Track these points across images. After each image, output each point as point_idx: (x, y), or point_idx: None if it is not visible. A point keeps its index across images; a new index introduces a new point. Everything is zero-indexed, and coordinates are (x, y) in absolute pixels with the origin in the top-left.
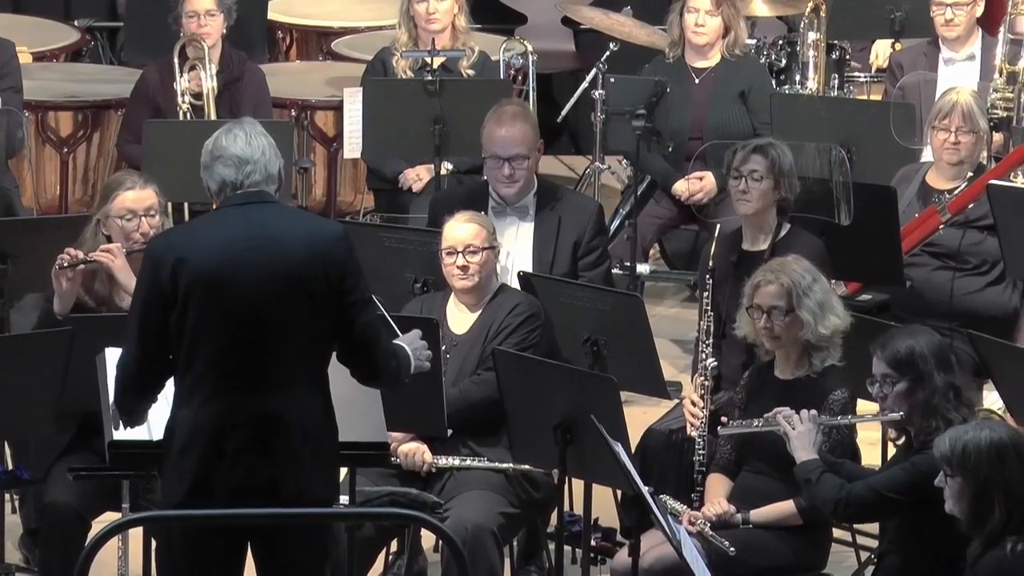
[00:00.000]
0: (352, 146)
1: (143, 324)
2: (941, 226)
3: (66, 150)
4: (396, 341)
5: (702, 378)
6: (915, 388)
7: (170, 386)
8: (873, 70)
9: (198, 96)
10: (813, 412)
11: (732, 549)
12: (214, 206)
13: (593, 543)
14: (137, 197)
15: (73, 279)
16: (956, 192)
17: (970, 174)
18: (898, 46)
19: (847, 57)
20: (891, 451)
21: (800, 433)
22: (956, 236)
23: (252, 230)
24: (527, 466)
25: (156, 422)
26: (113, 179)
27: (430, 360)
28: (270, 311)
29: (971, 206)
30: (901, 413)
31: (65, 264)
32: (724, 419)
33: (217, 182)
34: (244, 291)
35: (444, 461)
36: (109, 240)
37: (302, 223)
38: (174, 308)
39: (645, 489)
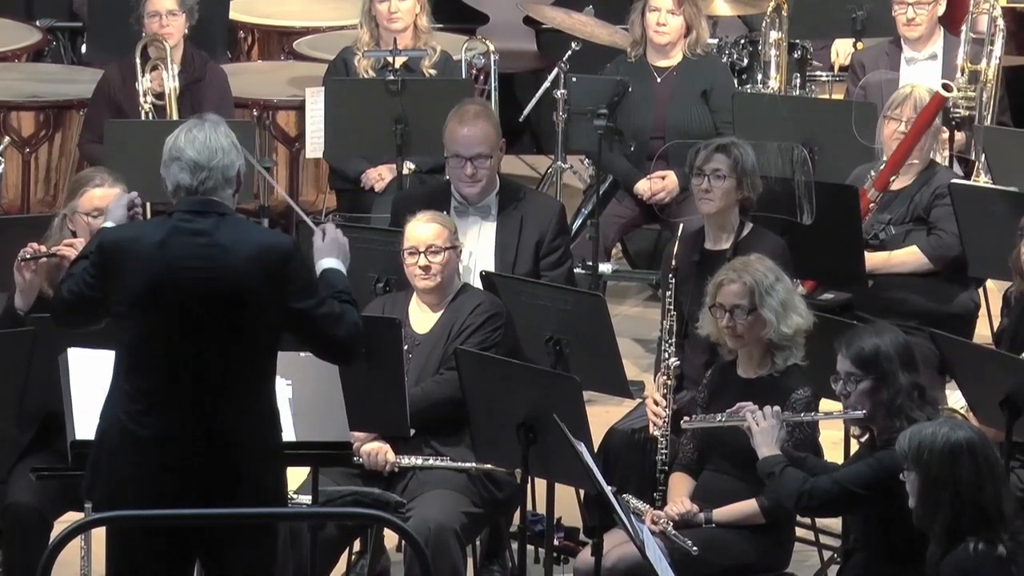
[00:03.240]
0: (314, 146)
1: (78, 287)
2: (872, 204)
3: (28, 150)
4: (320, 263)
5: (665, 377)
6: (879, 387)
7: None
8: (835, 69)
9: (160, 96)
10: (777, 408)
11: (695, 548)
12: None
13: (556, 542)
14: (105, 195)
15: (36, 273)
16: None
17: (921, 168)
18: (859, 45)
19: (808, 56)
20: (854, 448)
21: (764, 429)
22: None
23: (199, 247)
24: (490, 465)
25: None
26: (82, 175)
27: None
28: (213, 326)
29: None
30: (864, 411)
31: (28, 257)
32: (687, 417)
33: (173, 184)
34: (187, 306)
35: (407, 461)
36: (74, 236)
37: (250, 239)
38: (113, 303)
39: (608, 488)
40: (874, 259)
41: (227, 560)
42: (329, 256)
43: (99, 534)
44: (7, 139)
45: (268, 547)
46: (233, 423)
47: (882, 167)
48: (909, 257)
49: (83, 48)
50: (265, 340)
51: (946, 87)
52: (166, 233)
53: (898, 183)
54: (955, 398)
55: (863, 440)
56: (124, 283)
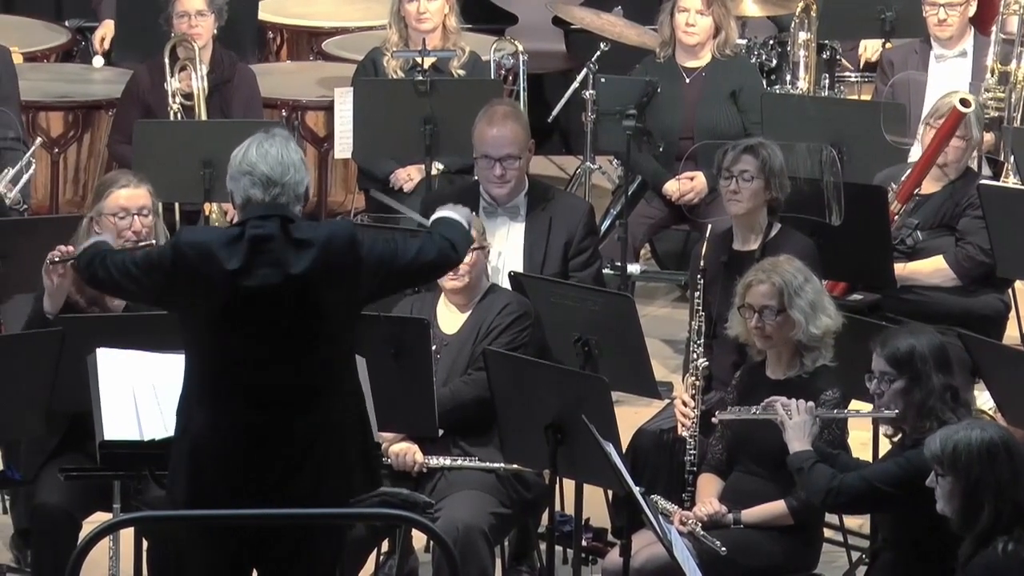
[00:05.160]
0: (343, 146)
1: (139, 276)
2: (896, 216)
3: (57, 150)
4: (439, 214)
5: (693, 378)
6: (912, 387)
7: (170, 394)
8: (862, 63)
9: (189, 97)
10: (810, 404)
11: (723, 549)
12: (205, 206)
13: (584, 543)
14: (131, 195)
15: (64, 276)
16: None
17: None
18: (889, 45)
19: (837, 57)
20: (883, 451)
21: (796, 424)
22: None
23: (270, 254)
24: (518, 466)
25: (147, 422)
26: (108, 177)
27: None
28: (292, 331)
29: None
30: (896, 411)
31: (56, 260)
32: (716, 415)
33: (242, 197)
34: (264, 313)
35: (435, 461)
36: None
37: (315, 237)
38: (174, 300)
39: (636, 489)
40: (898, 270)
41: (287, 563)
42: (446, 209)
43: (127, 534)
44: (38, 140)
45: (332, 549)
46: (319, 424)
47: (904, 179)
48: (934, 271)
49: (92, 51)
50: (342, 329)
51: (964, 102)
52: (239, 243)
53: (930, 187)
54: (983, 399)
55: (895, 440)
56: (197, 294)
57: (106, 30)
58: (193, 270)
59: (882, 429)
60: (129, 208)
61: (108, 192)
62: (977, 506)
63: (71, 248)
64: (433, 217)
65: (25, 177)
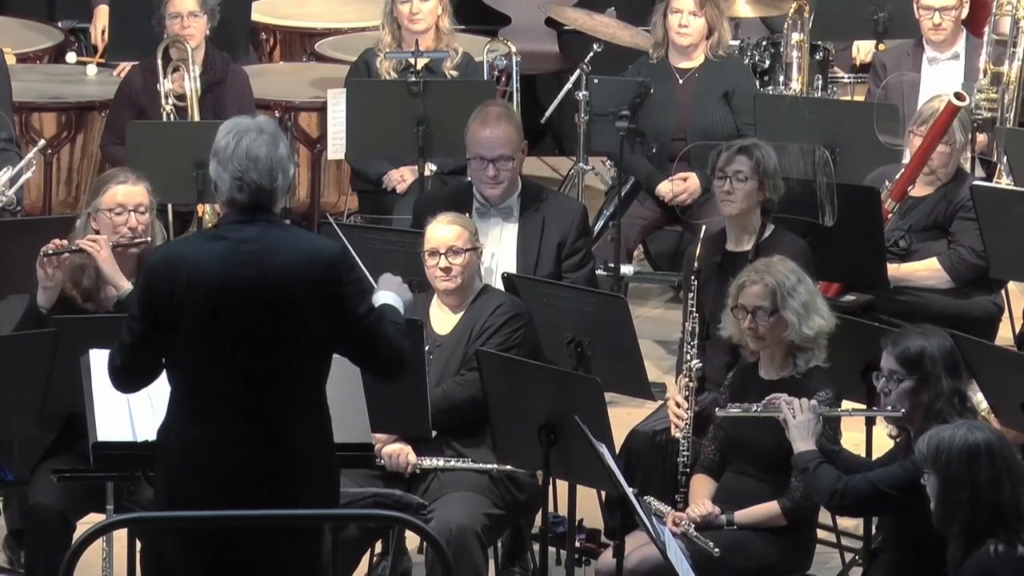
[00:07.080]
0: (336, 147)
1: (133, 329)
2: (889, 214)
3: (50, 151)
4: (377, 294)
5: (686, 379)
6: (920, 388)
7: (163, 394)
8: (856, 66)
9: (181, 97)
10: (814, 402)
11: (716, 550)
12: (198, 207)
13: (577, 544)
14: (128, 192)
15: (58, 268)
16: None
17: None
18: (882, 46)
19: (830, 58)
20: (875, 453)
21: (800, 423)
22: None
23: (247, 255)
24: (511, 467)
25: (141, 424)
26: (106, 174)
27: (409, 290)
28: (264, 333)
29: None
30: (902, 410)
31: (50, 252)
32: (716, 411)
33: (227, 188)
34: (237, 314)
35: (428, 462)
36: (98, 234)
37: (298, 245)
38: (168, 327)
39: (629, 490)
40: (892, 271)
41: (271, 563)
42: (388, 291)
43: (121, 535)
44: (41, 141)
45: (313, 550)
46: (288, 429)
47: (898, 176)
48: (928, 273)
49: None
50: (317, 345)
51: (959, 96)
52: (217, 245)
53: (921, 191)
54: (977, 400)
55: (899, 440)
56: (177, 297)
57: (102, 20)
58: (168, 280)
59: (886, 429)
60: (126, 204)
61: (106, 188)
62: (952, 505)
63: (65, 241)
64: (379, 299)
65: (24, 178)
